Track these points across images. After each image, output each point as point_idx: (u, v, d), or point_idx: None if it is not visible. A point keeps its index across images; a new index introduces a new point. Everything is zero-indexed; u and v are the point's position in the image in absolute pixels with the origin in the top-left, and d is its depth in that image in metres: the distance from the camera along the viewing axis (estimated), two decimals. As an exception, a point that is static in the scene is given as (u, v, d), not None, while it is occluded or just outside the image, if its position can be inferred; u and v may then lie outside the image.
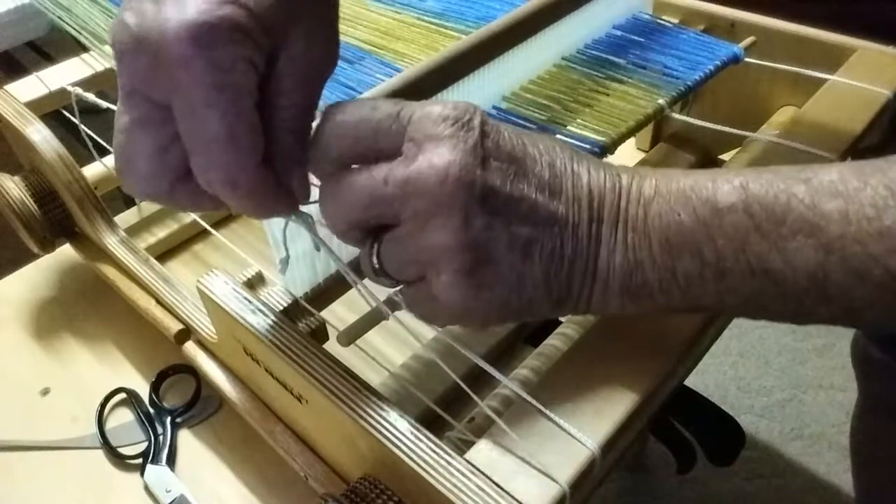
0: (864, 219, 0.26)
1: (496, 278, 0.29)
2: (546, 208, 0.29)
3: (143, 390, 0.51)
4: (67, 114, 0.56)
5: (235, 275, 0.42)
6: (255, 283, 0.44)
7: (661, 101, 0.47)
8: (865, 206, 0.26)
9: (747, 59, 0.52)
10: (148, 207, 0.63)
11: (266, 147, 0.28)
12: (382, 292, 0.34)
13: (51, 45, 1.00)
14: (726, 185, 0.28)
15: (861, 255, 0.26)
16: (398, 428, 0.32)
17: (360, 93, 0.42)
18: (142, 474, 0.47)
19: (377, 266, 0.30)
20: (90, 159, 0.56)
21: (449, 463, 0.30)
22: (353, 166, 0.29)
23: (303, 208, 0.36)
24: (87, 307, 0.58)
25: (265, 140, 0.28)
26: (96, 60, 0.56)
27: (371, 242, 0.30)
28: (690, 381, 0.44)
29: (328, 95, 0.46)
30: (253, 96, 0.27)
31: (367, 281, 0.33)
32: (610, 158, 0.44)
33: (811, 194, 0.27)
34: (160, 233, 0.61)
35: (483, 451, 0.31)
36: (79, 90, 0.54)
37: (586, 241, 0.30)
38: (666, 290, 0.30)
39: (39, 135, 0.51)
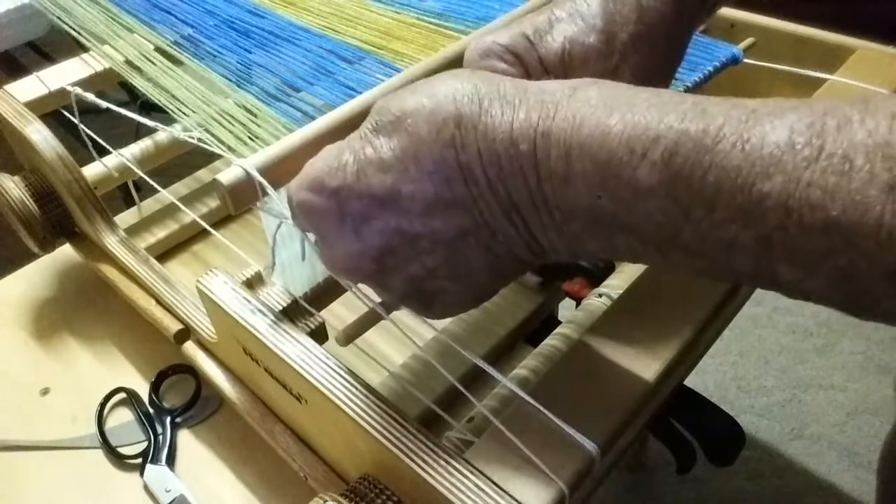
0: (807, 206, 0.21)
1: (441, 291, 0.30)
2: (449, 222, 0.28)
3: (143, 390, 0.51)
4: (67, 114, 0.56)
5: (235, 275, 0.42)
6: (254, 282, 0.44)
7: (660, 101, 0.47)
8: (812, 187, 0.21)
9: (746, 60, 0.52)
10: (148, 207, 0.63)
11: None
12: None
13: (51, 45, 1.01)
14: (647, 161, 0.24)
15: (806, 249, 0.22)
16: (398, 428, 0.32)
17: (360, 92, 0.41)
18: (141, 474, 0.47)
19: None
20: (90, 159, 0.56)
21: (448, 463, 0.30)
22: None
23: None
24: (87, 307, 0.58)
25: None
26: (96, 60, 0.56)
27: None
28: (690, 381, 0.44)
29: (328, 95, 0.46)
30: None
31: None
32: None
33: (748, 167, 0.22)
34: (160, 233, 0.61)
35: (482, 451, 0.31)
36: (79, 90, 0.54)
37: (514, 231, 0.28)
38: (617, 250, 0.27)
39: (39, 135, 0.51)
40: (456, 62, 0.44)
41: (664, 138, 0.24)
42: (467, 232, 0.28)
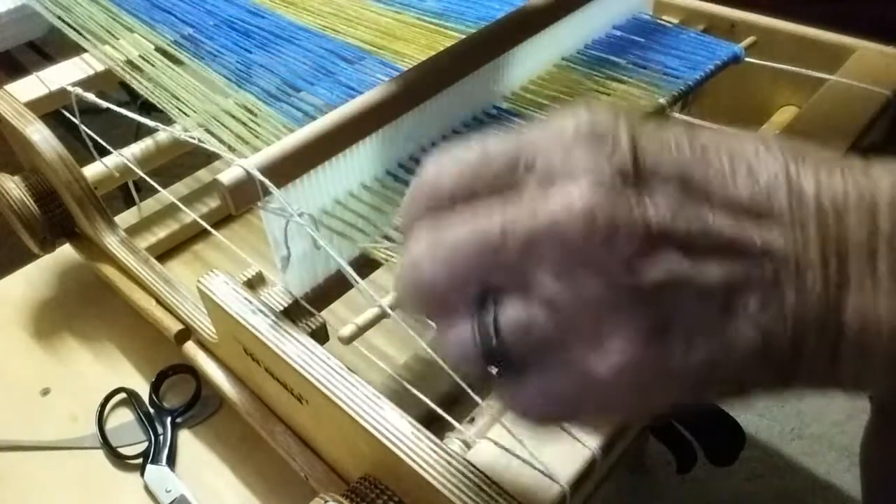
0: None
1: (686, 344, 0.20)
2: (748, 240, 0.20)
3: (143, 390, 0.51)
4: (67, 114, 0.56)
5: (235, 275, 0.42)
6: (255, 283, 0.44)
7: (661, 100, 0.47)
8: None
9: (747, 59, 0.52)
10: (148, 207, 0.63)
11: None
12: (383, 291, 0.34)
13: (51, 45, 1.00)
14: None
15: None
16: (398, 428, 0.32)
17: (361, 92, 0.41)
18: (142, 474, 0.47)
19: (491, 345, 0.22)
20: (90, 159, 0.56)
21: (449, 463, 0.30)
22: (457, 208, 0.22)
23: (303, 207, 0.36)
24: (87, 307, 0.58)
25: None
26: (96, 60, 0.56)
27: (478, 311, 0.22)
28: (691, 381, 0.44)
29: (328, 95, 0.46)
30: None
31: (367, 281, 0.33)
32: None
33: None
34: (160, 233, 0.61)
35: (483, 451, 0.31)
36: (79, 90, 0.54)
37: (821, 283, 0.20)
38: None
39: (39, 135, 0.51)
40: (456, 62, 0.44)
41: None
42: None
